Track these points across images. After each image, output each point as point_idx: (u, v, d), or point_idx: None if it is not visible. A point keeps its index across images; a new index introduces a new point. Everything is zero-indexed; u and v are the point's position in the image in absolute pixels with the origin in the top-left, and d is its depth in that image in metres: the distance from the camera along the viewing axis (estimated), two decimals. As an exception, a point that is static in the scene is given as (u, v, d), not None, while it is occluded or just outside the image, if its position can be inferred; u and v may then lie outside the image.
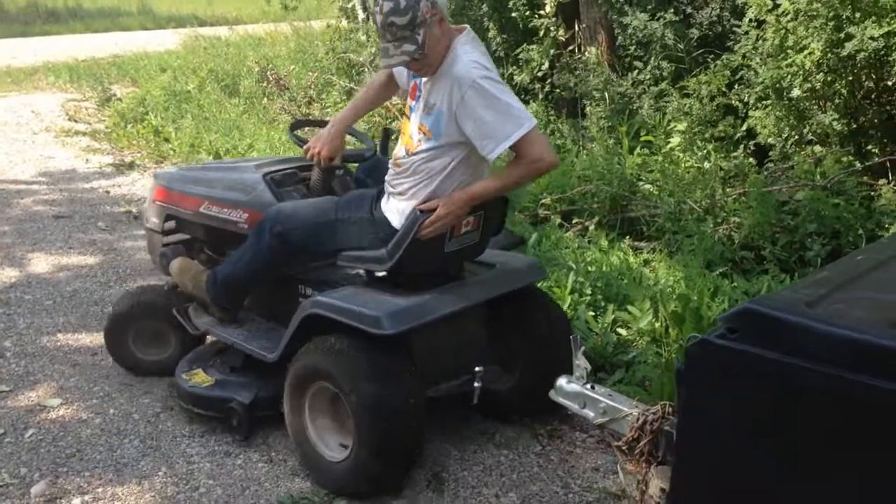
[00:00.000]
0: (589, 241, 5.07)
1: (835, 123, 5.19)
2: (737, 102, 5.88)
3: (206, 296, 3.35)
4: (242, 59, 12.07)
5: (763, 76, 5.43)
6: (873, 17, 4.86)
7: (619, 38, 7.10)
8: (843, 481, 1.47)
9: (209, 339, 3.70)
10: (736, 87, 5.93)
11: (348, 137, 3.26)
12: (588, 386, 2.47)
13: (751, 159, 5.69)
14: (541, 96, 7.52)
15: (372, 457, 2.71)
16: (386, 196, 2.92)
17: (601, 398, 2.40)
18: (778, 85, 5.35)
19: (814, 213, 4.64)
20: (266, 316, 3.44)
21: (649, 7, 6.81)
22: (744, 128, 5.80)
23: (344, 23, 10.65)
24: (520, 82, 7.59)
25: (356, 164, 3.47)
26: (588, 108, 6.94)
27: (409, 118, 2.89)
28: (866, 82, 5.23)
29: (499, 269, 3.14)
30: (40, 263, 5.33)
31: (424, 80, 2.81)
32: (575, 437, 3.26)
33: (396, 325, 2.67)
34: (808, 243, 4.51)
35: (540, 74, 7.55)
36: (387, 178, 2.92)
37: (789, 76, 5.25)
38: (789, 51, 5.26)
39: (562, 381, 2.54)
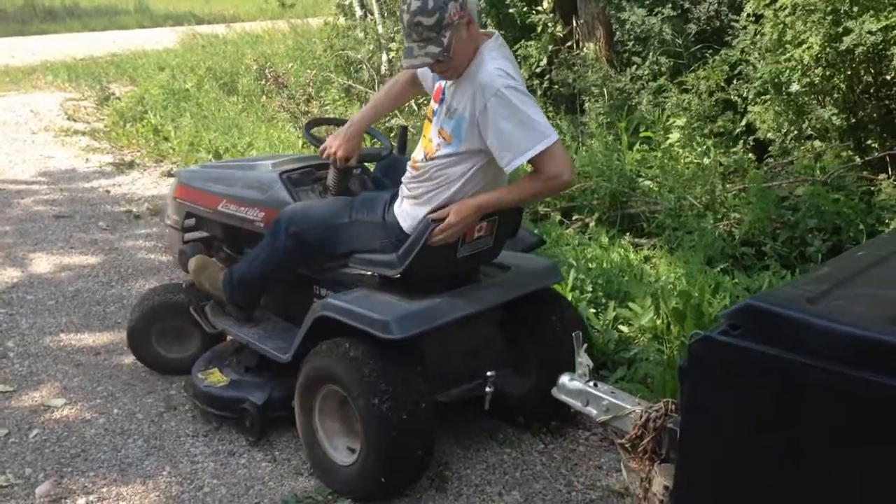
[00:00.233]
0: (589, 238, 5.07)
1: (834, 118, 5.20)
2: (736, 97, 5.89)
3: (222, 294, 3.35)
4: (240, 57, 12.06)
5: (762, 71, 5.43)
6: (871, 11, 4.86)
7: (617, 33, 7.10)
8: (846, 477, 1.47)
9: (229, 336, 3.70)
10: (735, 82, 5.94)
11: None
12: (591, 383, 2.47)
13: (750, 155, 5.70)
14: (539, 92, 7.51)
15: (380, 463, 2.69)
16: (400, 199, 2.88)
17: (604, 396, 2.40)
18: (777, 80, 5.35)
19: (814, 209, 4.64)
20: (282, 316, 3.44)
21: (647, 2, 6.81)
22: (743, 123, 5.80)
23: (341, 20, 10.65)
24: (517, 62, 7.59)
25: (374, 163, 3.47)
26: (587, 104, 6.94)
27: (430, 121, 2.84)
28: (865, 77, 5.24)
29: (514, 272, 3.10)
30: (42, 263, 5.33)
31: (448, 83, 2.76)
32: (578, 434, 3.27)
33: (405, 330, 2.65)
34: (808, 239, 4.51)
35: (538, 70, 7.54)
36: (403, 179, 2.88)
37: (788, 71, 5.25)
38: (788, 45, 5.27)
39: (564, 379, 2.54)
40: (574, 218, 5.52)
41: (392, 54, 9.05)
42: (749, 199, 4.93)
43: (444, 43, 2.56)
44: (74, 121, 10.34)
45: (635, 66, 6.75)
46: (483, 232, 2.84)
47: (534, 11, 7.50)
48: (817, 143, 5.40)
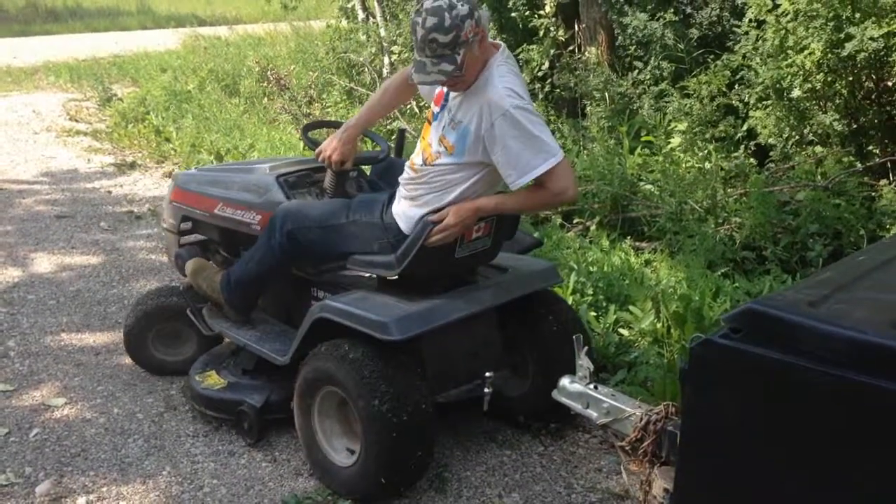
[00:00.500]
0: (590, 242, 5.08)
1: (835, 124, 5.21)
2: (737, 103, 5.90)
3: (220, 296, 3.34)
4: (242, 58, 12.07)
5: (763, 76, 5.44)
6: (873, 18, 4.87)
7: (619, 38, 7.11)
8: (846, 481, 1.48)
9: (226, 339, 3.70)
10: (736, 87, 5.95)
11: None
12: (591, 386, 2.48)
13: (751, 159, 5.71)
14: (541, 96, 7.53)
15: (379, 463, 2.69)
16: (397, 199, 2.89)
17: (604, 398, 2.41)
18: (778, 85, 5.36)
19: (815, 214, 4.65)
20: (279, 318, 3.45)
21: (649, 7, 6.82)
22: (744, 128, 5.81)
23: (344, 22, 10.68)
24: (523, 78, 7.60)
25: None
26: (588, 108, 6.96)
27: (430, 124, 2.84)
28: (866, 83, 5.25)
29: (511, 273, 3.10)
30: (43, 263, 5.34)
31: (454, 94, 2.75)
32: (578, 437, 3.27)
33: (404, 331, 2.65)
34: (809, 244, 4.52)
35: (540, 74, 7.56)
36: (401, 178, 2.88)
37: (789, 76, 5.26)
38: (789, 51, 5.28)
39: (565, 382, 2.55)
40: (575, 221, 5.52)
41: (394, 57, 9.07)
42: (750, 203, 4.94)
43: (457, 60, 2.53)
44: (76, 121, 10.35)
45: (637, 71, 6.76)
46: (481, 233, 2.84)
47: (536, 15, 7.52)
48: (818, 149, 5.41)
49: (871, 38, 4.79)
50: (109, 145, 8.97)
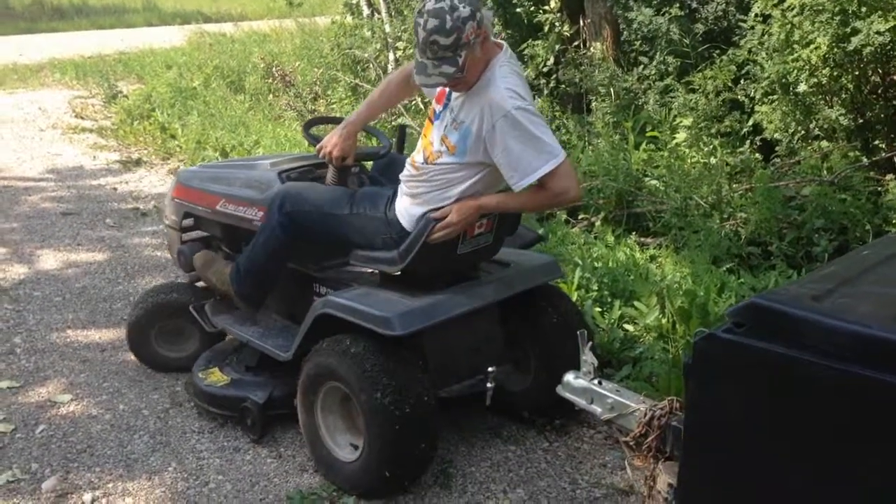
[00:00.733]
0: (595, 237, 5.07)
1: (841, 118, 5.19)
2: (743, 97, 5.87)
3: (230, 289, 3.31)
4: (248, 55, 12.09)
5: (769, 71, 5.42)
6: (879, 12, 4.85)
7: (625, 33, 7.09)
8: (850, 475, 1.48)
9: (229, 336, 3.70)
10: (742, 82, 5.92)
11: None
12: (595, 381, 2.47)
13: (757, 154, 5.69)
14: (546, 92, 7.52)
15: (383, 458, 2.70)
16: (399, 195, 2.89)
17: (608, 394, 2.41)
18: (784, 80, 5.34)
19: (821, 209, 4.63)
20: (282, 314, 3.45)
21: (654, 2, 6.79)
22: (750, 123, 5.79)
23: (349, 19, 10.67)
24: (525, 77, 7.58)
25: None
26: (593, 104, 6.94)
27: (432, 122, 2.84)
28: (873, 77, 5.22)
29: (514, 268, 3.11)
30: (49, 260, 5.36)
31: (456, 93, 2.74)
32: (582, 432, 3.27)
33: (406, 326, 2.65)
34: (815, 239, 4.50)
35: (545, 70, 7.54)
36: (402, 176, 2.88)
37: (795, 71, 5.24)
38: (795, 45, 5.25)
39: (569, 377, 2.55)
40: (580, 217, 5.52)
41: (399, 53, 9.06)
42: (755, 198, 4.93)
43: (458, 62, 2.52)
44: (82, 118, 10.38)
45: (642, 66, 6.74)
46: (483, 229, 2.85)
47: (541, 11, 7.50)
48: (824, 144, 5.39)
49: (878, 33, 4.76)
50: (115, 142, 8.99)
